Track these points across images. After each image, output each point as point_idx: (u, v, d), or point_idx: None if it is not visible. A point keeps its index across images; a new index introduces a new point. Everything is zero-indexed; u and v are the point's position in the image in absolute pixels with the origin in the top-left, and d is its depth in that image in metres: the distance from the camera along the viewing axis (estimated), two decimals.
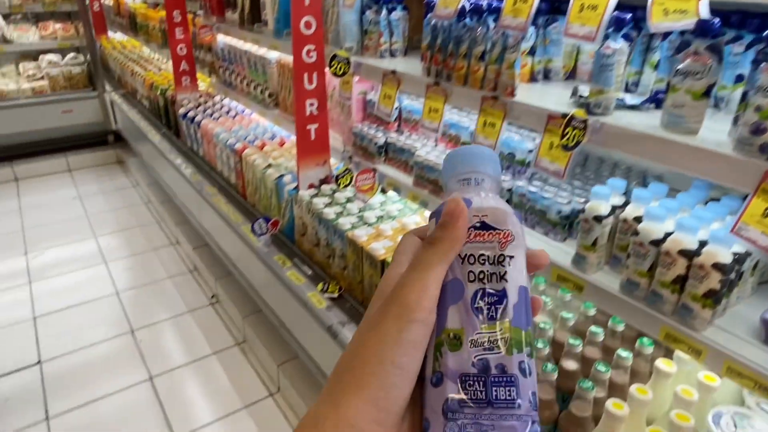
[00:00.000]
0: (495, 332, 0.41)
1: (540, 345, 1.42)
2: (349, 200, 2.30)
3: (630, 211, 1.34)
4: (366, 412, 0.37)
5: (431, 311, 0.41)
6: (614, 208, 1.38)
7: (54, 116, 5.27)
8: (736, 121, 1.15)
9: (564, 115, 1.35)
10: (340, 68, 2.05)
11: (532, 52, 1.70)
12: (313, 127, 2.24)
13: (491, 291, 0.42)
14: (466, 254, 0.43)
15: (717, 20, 1.11)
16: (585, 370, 1.41)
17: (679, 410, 1.19)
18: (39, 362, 2.80)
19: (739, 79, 1.33)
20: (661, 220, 1.25)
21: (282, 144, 3.04)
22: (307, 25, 2.08)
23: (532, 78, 1.73)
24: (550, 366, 1.35)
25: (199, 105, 3.77)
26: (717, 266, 1.14)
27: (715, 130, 1.19)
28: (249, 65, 3.03)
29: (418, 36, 2.05)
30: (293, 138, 2.96)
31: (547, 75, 1.76)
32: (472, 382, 0.39)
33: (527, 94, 1.56)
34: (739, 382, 1.13)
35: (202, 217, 3.38)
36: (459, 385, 0.39)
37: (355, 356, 0.40)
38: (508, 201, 1.68)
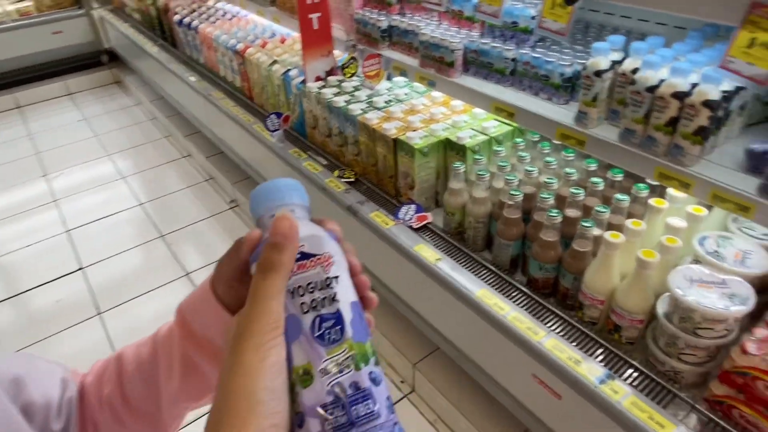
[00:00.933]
0: (341, 353, 0.41)
1: (545, 196, 1.56)
2: (356, 89, 2.36)
3: (628, 64, 1.42)
4: None
5: (282, 331, 0.42)
6: (613, 63, 1.46)
7: (45, 39, 5.17)
8: None
9: None
10: None
11: None
12: (315, 16, 2.26)
13: (327, 315, 0.42)
14: (294, 287, 0.43)
15: None
16: (586, 216, 1.57)
17: (669, 235, 1.35)
18: (80, 268, 3.03)
19: None
20: (657, 67, 1.34)
21: (283, 41, 3.04)
22: None
23: None
24: (554, 211, 1.50)
25: (194, 11, 3.70)
26: (707, 103, 1.24)
27: None
28: None
29: None
30: (294, 34, 2.96)
31: None
32: (331, 410, 0.40)
33: None
34: (722, 206, 1.28)
35: (212, 124, 3.45)
36: (320, 419, 0.40)
37: (227, 400, 0.39)
38: (512, 71, 1.75)
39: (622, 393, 1.32)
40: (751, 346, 1.16)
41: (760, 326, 1.21)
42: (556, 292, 1.63)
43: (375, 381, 0.42)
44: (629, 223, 1.39)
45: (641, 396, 1.31)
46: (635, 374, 1.37)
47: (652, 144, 1.38)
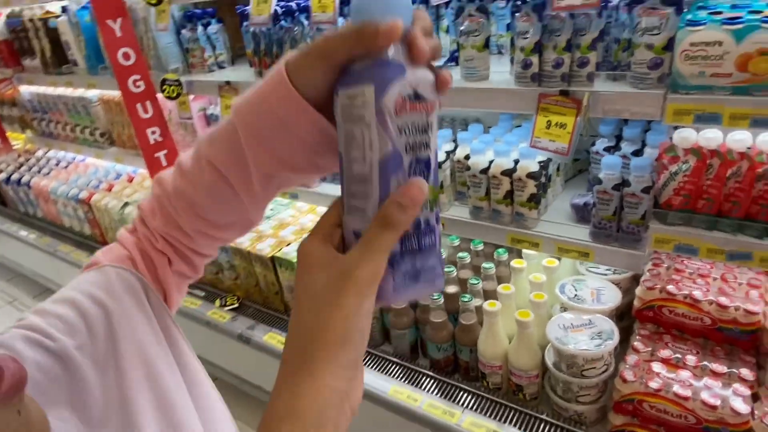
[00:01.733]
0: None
1: None
2: None
3: (460, 153, 1.63)
4: (340, 375, 0.43)
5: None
6: (448, 153, 1.66)
7: None
8: (512, 61, 1.46)
9: None
10: (173, 91, 2.07)
11: None
12: (161, 154, 2.24)
13: (421, 158, 0.45)
14: (402, 125, 0.43)
15: None
16: (463, 289, 1.69)
17: (535, 291, 1.51)
18: None
19: (508, 28, 1.66)
20: (483, 152, 1.55)
21: (131, 180, 2.94)
22: (126, 56, 2.06)
23: None
24: (435, 294, 1.60)
25: (21, 165, 3.44)
26: (530, 175, 1.46)
27: (502, 72, 1.50)
28: (68, 110, 2.85)
29: (240, 44, 2.15)
30: (142, 171, 2.88)
31: None
32: (408, 237, 0.45)
33: None
34: (567, 255, 1.47)
35: (64, 279, 3.13)
36: (399, 241, 0.45)
37: (322, 332, 0.43)
38: None
39: None
40: (628, 374, 1.31)
41: (630, 353, 1.38)
42: (458, 367, 1.70)
43: (438, 221, 0.47)
44: (501, 288, 1.53)
45: None
46: (547, 427, 1.46)
47: (498, 216, 1.56)
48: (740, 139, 1.23)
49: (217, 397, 0.64)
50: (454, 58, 1.67)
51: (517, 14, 1.35)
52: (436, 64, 0.47)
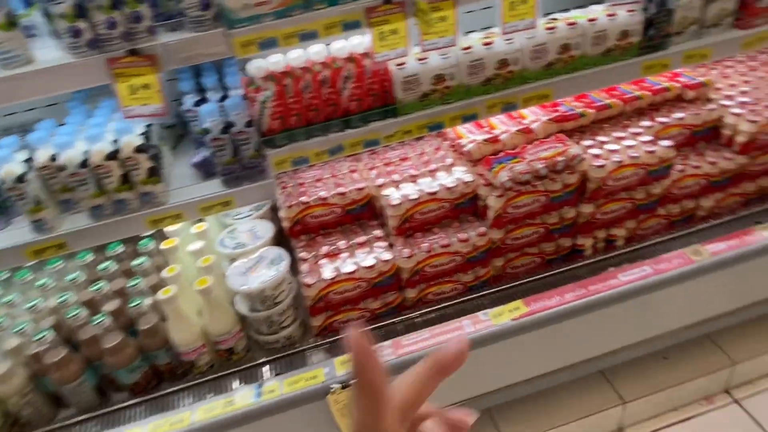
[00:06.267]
0: None
1: (74, 313, 1.39)
2: None
3: (42, 156, 1.36)
4: None
5: None
6: (27, 161, 1.36)
7: None
8: (57, 34, 1.27)
9: None
10: None
11: None
12: None
13: None
14: None
15: None
16: (125, 298, 1.50)
17: (200, 259, 1.48)
18: None
19: (29, 4, 1.42)
20: (72, 145, 1.34)
21: None
22: None
23: None
24: (96, 318, 1.37)
25: None
26: (139, 149, 1.36)
27: (51, 51, 1.28)
28: None
29: None
30: None
31: None
32: None
33: None
34: (213, 212, 1.49)
35: None
36: None
37: None
38: None
39: (277, 389, 1.45)
40: (307, 278, 1.48)
41: (301, 264, 1.54)
42: (161, 375, 1.54)
43: None
44: (166, 273, 1.43)
45: (288, 376, 1.48)
46: (269, 369, 1.52)
47: (123, 205, 1.42)
48: (296, 56, 1.46)
49: None
50: None
51: None
52: None
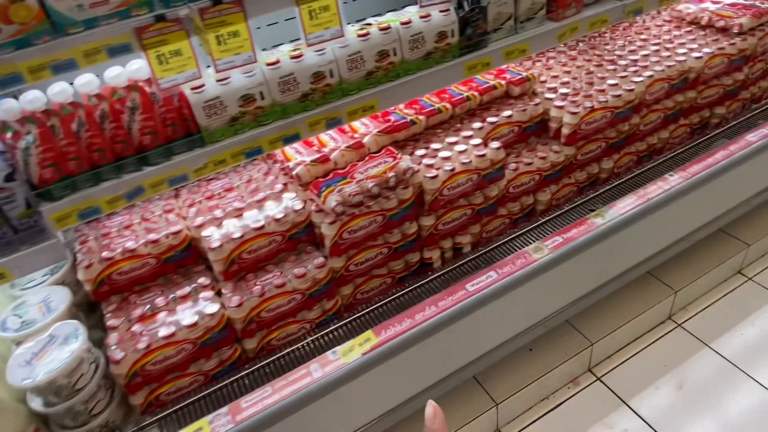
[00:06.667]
0: None
1: None
2: None
3: None
4: None
5: None
6: None
7: None
8: None
9: None
10: None
11: None
12: None
13: None
14: None
15: None
16: None
17: None
18: None
19: None
20: None
21: None
22: None
23: None
24: None
25: None
26: None
27: None
28: None
29: None
30: None
31: None
32: None
33: None
34: None
35: None
36: None
37: None
38: None
39: None
40: (116, 354, 1.23)
41: (109, 334, 1.29)
42: None
43: None
44: None
45: None
46: None
47: None
48: (60, 90, 1.20)
49: None
50: None
51: None
52: None
